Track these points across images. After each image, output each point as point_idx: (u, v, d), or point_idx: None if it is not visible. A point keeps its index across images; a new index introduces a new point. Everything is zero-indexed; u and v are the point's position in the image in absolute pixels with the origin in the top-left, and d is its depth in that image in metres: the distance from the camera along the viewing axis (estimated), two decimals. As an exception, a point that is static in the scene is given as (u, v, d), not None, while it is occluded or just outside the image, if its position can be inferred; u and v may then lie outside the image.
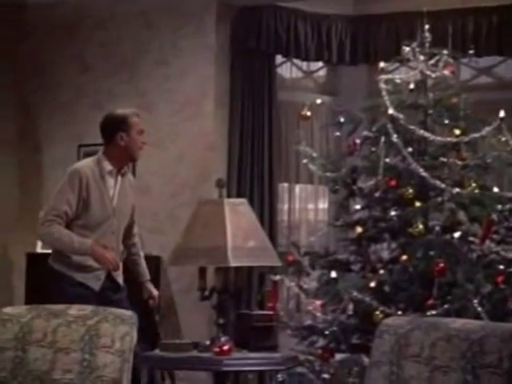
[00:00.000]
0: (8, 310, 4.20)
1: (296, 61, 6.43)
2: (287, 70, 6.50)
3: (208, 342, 4.59)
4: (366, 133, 5.01)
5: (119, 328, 3.99)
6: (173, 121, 6.03)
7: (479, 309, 4.41)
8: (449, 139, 4.78)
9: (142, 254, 4.79)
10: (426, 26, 5.00)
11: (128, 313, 4.07)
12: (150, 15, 6.15)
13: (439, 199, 4.78)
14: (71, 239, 4.45)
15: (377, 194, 4.88)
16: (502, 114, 4.72)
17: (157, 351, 4.76)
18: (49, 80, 6.35)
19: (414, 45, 4.98)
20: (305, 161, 5.19)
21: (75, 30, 6.31)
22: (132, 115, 4.60)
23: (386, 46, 5.95)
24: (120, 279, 4.61)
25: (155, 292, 4.75)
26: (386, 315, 4.38)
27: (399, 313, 4.52)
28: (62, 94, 6.31)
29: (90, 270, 4.50)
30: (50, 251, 5.76)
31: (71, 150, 6.25)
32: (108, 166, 4.54)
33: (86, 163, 4.62)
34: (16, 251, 6.20)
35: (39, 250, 5.84)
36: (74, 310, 4.09)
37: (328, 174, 5.06)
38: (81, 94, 6.26)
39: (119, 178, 4.59)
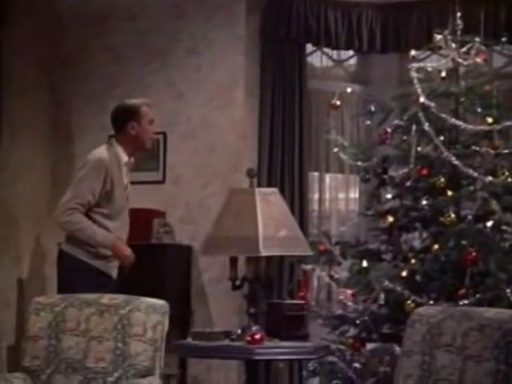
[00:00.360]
0: (41, 299, 4.25)
1: (326, 50, 6.40)
2: (317, 58, 6.48)
3: (239, 331, 4.61)
4: (397, 121, 4.98)
5: (151, 317, 4.02)
6: (203, 111, 6.04)
7: (512, 298, 4.39)
8: (481, 127, 4.74)
9: None
10: (458, 14, 4.96)
11: (160, 302, 4.10)
12: (181, 5, 6.16)
13: (471, 188, 4.74)
14: (93, 231, 4.49)
15: (408, 183, 4.86)
16: (534, 101, 4.68)
17: (189, 340, 4.79)
18: (81, 71, 6.38)
19: (446, 32, 4.94)
20: (335, 150, 5.18)
21: (107, 21, 6.34)
22: (143, 105, 4.68)
23: (417, 34, 5.90)
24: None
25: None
26: (418, 305, 4.36)
27: (431, 302, 4.50)
28: (93, 84, 6.34)
29: (111, 260, 4.61)
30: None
31: (102, 141, 6.26)
32: (124, 157, 4.63)
33: (106, 152, 4.65)
34: (48, 241, 6.24)
35: (72, 239, 5.87)
36: (106, 299, 4.13)
37: (359, 163, 5.04)
38: (112, 84, 6.28)
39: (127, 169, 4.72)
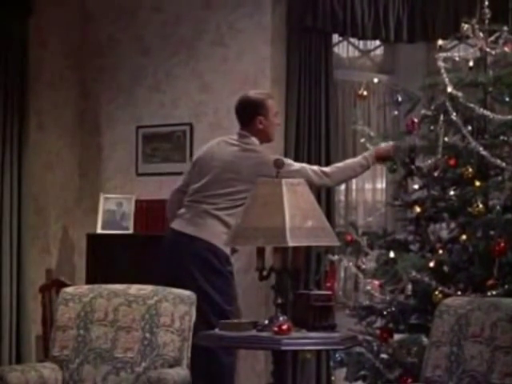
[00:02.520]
0: (70, 289, 4.29)
1: (353, 40, 6.38)
2: (344, 49, 6.46)
3: (267, 322, 4.61)
4: (424, 111, 4.96)
5: (179, 307, 4.05)
6: (230, 101, 6.00)
7: (541, 289, 4.36)
8: (509, 117, 4.70)
9: None
10: (486, 2, 4.92)
11: (187, 292, 4.12)
12: (208, -5, 6.17)
13: (499, 178, 4.71)
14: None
15: (436, 174, 4.83)
16: None
17: (216, 330, 4.80)
18: (108, 62, 6.41)
19: (474, 21, 4.90)
20: (362, 140, 5.16)
21: (134, 12, 6.36)
22: (268, 98, 4.81)
23: (445, 23, 5.86)
24: None
25: None
26: (446, 295, 4.35)
27: (459, 293, 4.48)
28: (121, 76, 6.37)
29: None
30: (110, 232, 5.86)
31: (130, 132, 6.31)
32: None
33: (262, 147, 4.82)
34: (77, 232, 6.29)
35: (99, 230, 5.92)
36: (134, 289, 4.16)
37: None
38: (140, 75, 6.30)
39: None
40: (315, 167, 4.92)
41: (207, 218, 4.74)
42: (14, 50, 5.69)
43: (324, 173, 4.85)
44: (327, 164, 6.01)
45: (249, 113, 4.78)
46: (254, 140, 4.81)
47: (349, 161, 4.98)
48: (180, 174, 6.08)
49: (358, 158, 4.94)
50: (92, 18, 6.49)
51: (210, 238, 4.69)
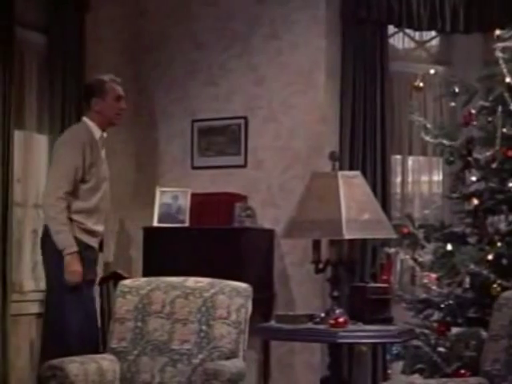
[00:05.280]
0: (128, 282, 4.34)
1: (408, 31, 6.32)
2: (399, 40, 6.40)
3: (323, 315, 4.61)
4: (481, 103, 4.89)
5: (235, 300, 4.06)
6: (284, 94, 6.03)
7: None
8: None
9: None
10: (545, -9, 4.84)
11: (243, 285, 4.13)
12: (261, -11, 6.16)
13: (559, 169, 4.64)
14: (61, 230, 4.54)
15: (494, 165, 4.77)
16: None
17: (272, 323, 4.81)
18: (163, 57, 6.45)
19: (532, 10, 4.83)
20: (422, 134, 5.10)
21: (188, 7, 6.38)
22: (109, 81, 4.79)
23: (502, 13, 5.78)
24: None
25: None
26: (504, 288, 4.30)
27: (517, 286, 4.42)
28: (175, 70, 6.40)
29: (96, 235, 4.75)
30: (166, 225, 5.91)
31: (185, 126, 6.35)
32: (97, 132, 4.75)
33: (78, 129, 4.79)
34: (133, 225, 6.34)
35: (155, 223, 5.96)
36: (191, 282, 4.19)
37: (444, 141, 4.96)
38: (194, 69, 6.33)
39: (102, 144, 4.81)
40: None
41: None
42: (71, 46, 5.76)
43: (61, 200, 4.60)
44: (383, 157, 5.98)
45: (85, 96, 4.83)
46: (83, 122, 4.79)
47: (69, 236, 4.59)
48: (236, 167, 6.15)
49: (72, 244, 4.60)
50: (146, 13, 6.53)
51: None
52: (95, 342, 4.69)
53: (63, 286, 4.53)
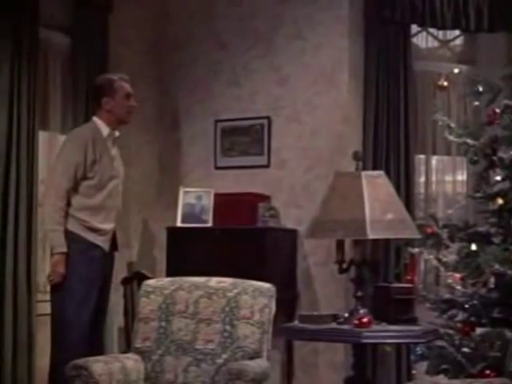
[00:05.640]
0: (151, 282, 4.35)
1: (432, 30, 6.30)
2: (423, 39, 6.38)
3: (347, 315, 4.60)
4: (506, 101, 4.87)
5: (258, 300, 4.06)
6: (307, 94, 6.03)
7: None
8: None
9: None
10: None
11: (267, 285, 4.13)
12: (284, -11, 6.16)
13: None
14: (56, 229, 4.57)
15: (518, 165, 4.74)
16: None
17: (296, 323, 4.81)
18: (186, 57, 6.46)
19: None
20: (446, 133, 5.07)
21: (211, 7, 6.39)
22: (118, 79, 4.78)
23: (526, 12, 5.75)
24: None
25: None
26: (530, 289, 4.28)
27: (543, 286, 4.40)
28: (199, 70, 6.41)
29: (102, 234, 4.69)
30: (189, 225, 5.92)
31: (208, 126, 6.35)
32: (105, 130, 4.75)
33: (84, 128, 4.85)
34: (157, 225, 6.36)
35: (179, 224, 5.97)
36: (214, 282, 4.19)
37: (468, 140, 4.94)
38: (217, 70, 6.34)
39: (113, 143, 4.81)
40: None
41: None
42: (94, 46, 5.78)
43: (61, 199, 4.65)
44: (406, 157, 5.96)
45: (95, 96, 4.82)
46: (92, 121, 4.81)
47: (61, 235, 4.61)
48: (259, 167, 6.15)
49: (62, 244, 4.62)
50: (169, 14, 6.55)
51: None
52: (96, 344, 4.70)
53: (65, 285, 4.57)
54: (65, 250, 4.56)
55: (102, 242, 4.71)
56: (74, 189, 4.63)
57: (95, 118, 4.80)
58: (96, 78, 4.94)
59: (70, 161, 4.62)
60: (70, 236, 4.62)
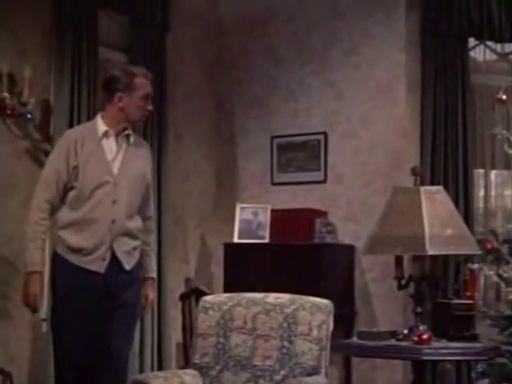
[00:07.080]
0: (209, 298, 4.35)
1: (489, 43, 6.23)
2: (480, 52, 6.32)
3: (406, 331, 4.56)
4: None
5: (316, 316, 4.04)
6: (364, 109, 6.01)
7: None
8: None
9: (153, 248, 4.31)
10: None
11: (324, 301, 4.11)
12: (339, 5, 6.15)
13: None
14: (29, 246, 3.88)
15: None
16: None
17: (354, 339, 4.78)
18: (242, 74, 6.50)
19: None
20: (505, 147, 5.00)
21: (266, 24, 6.43)
22: (140, 75, 4.04)
23: None
24: (127, 263, 4.00)
25: (151, 295, 4.28)
26: None
27: None
28: (255, 86, 6.45)
29: (86, 254, 3.91)
30: (246, 241, 5.93)
31: (264, 142, 6.37)
32: (102, 127, 4.01)
33: (76, 128, 4.37)
34: (213, 241, 6.39)
35: (236, 239, 5.99)
36: (272, 298, 4.19)
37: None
38: (273, 86, 6.36)
39: (123, 143, 4.04)
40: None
41: None
42: (152, 64, 5.84)
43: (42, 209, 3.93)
44: (465, 171, 5.89)
45: (108, 87, 4.03)
46: (95, 119, 4.09)
47: (36, 251, 3.88)
48: (316, 182, 6.14)
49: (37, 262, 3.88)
50: (226, 31, 6.60)
51: None
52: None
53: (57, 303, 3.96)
54: (37, 268, 3.85)
55: (90, 264, 3.90)
56: (62, 200, 3.95)
57: (98, 117, 4.07)
58: (114, 68, 4.19)
59: (49, 168, 3.98)
60: (57, 260, 3.96)
